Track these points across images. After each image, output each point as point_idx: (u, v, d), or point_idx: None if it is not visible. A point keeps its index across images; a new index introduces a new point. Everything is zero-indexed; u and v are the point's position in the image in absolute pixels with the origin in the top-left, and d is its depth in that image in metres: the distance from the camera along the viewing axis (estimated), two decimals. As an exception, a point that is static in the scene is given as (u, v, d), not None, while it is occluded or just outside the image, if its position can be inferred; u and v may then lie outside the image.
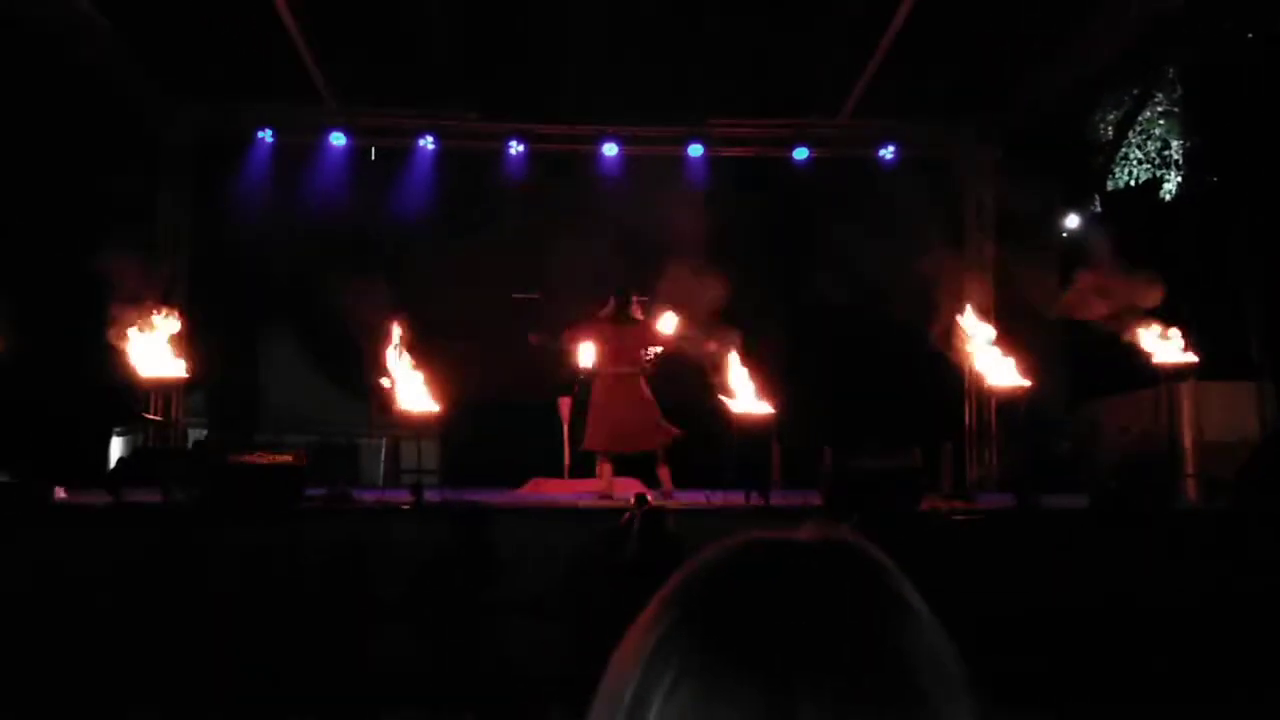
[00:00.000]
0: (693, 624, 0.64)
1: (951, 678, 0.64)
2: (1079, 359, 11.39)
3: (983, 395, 11.05)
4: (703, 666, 0.61)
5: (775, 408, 8.90)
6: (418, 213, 11.48)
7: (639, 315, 9.22)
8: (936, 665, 0.63)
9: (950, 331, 9.73)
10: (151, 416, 10.40)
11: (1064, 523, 7.71)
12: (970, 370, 10.47)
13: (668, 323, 9.26)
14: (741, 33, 9.97)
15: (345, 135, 11.58)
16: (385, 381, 8.90)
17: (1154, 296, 9.12)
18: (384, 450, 10.83)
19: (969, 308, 9.96)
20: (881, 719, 0.60)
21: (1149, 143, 13.55)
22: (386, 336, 8.97)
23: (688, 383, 9.19)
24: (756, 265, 11.33)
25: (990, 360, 9.67)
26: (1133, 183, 13.65)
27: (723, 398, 8.85)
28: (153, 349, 8.81)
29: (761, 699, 0.60)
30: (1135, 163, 13.65)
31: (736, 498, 8.19)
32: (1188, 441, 9.75)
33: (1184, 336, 9.32)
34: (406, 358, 8.97)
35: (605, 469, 8.84)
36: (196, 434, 11.41)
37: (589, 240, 10.31)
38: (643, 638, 0.65)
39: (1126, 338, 9.23)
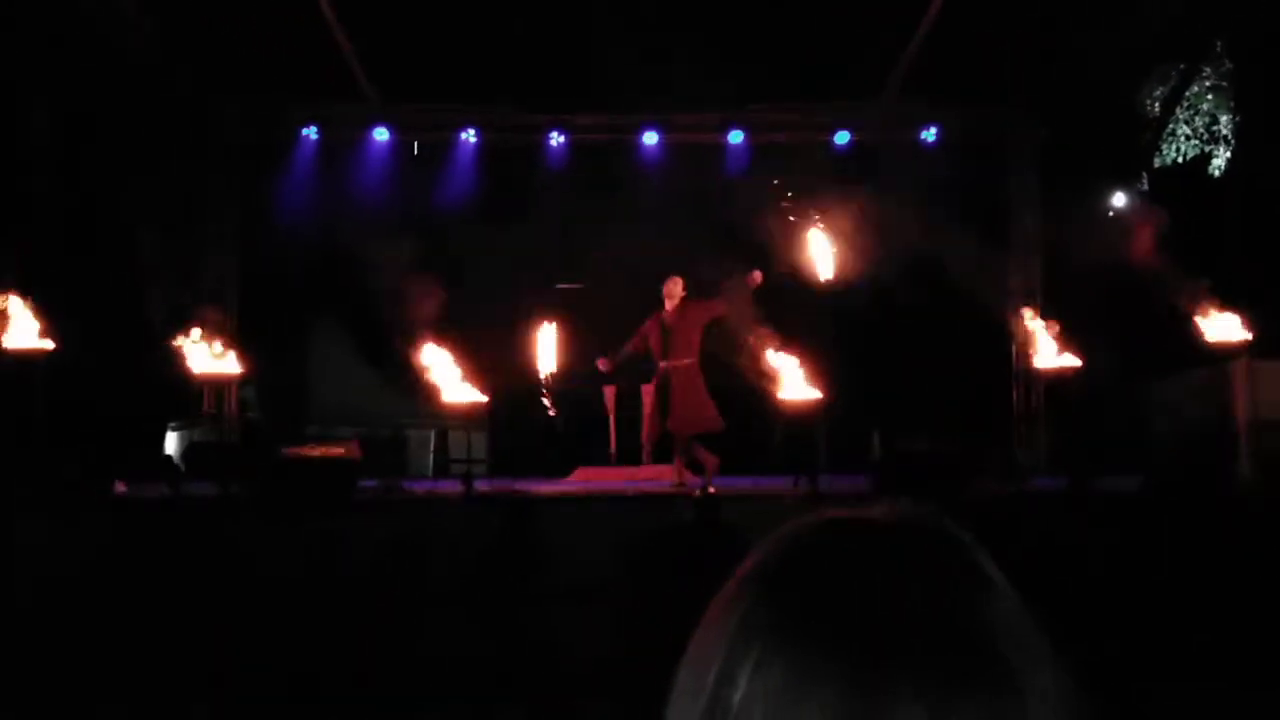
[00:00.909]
0: (776, 602, 0.63)
1: (1035, 648, 0.64)
2: (1130, 338, 11.21)
3: (1032, 377, 10.91)
4: (788, 644, 0.61)
5: (823, 392, 8.85)
6: (461, 205, 11.54)
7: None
8: (1020, 637, 0.63)
9: (999, 314, 9.64)
10: (207, 412, 10.58)
11: (1119, 505, 7.61)
12: (1019, 352, 10.36)
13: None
14: (780, 16, 9.91)
15: (388, 130, 11.66)
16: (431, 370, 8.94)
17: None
18: (432, 441, 10.91)
19: (1017, 289, 9.86)
20: (969, 693, 0.60)
21: (1197, 118, 13.29)
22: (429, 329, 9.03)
23: (733, 369, 9.17)
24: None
25: (1040, 341, 9.57)
26: (1180, 159, 13.40)
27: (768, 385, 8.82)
28: (206, 346, 8.95)
29: (849, 676, 0.59)
30: (1183, 139, 13.39)
31: (783, 484, 8.16)
32: (1242, 421, 9.57)
33: (1238, 314, 9.17)
34: (450, 350, 9.02)
35: (681, 461, 8.80)
36: (256, 421, 11.54)
37: (631, 229, 10.32)
38: (724, 616, 0.64)
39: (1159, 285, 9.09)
